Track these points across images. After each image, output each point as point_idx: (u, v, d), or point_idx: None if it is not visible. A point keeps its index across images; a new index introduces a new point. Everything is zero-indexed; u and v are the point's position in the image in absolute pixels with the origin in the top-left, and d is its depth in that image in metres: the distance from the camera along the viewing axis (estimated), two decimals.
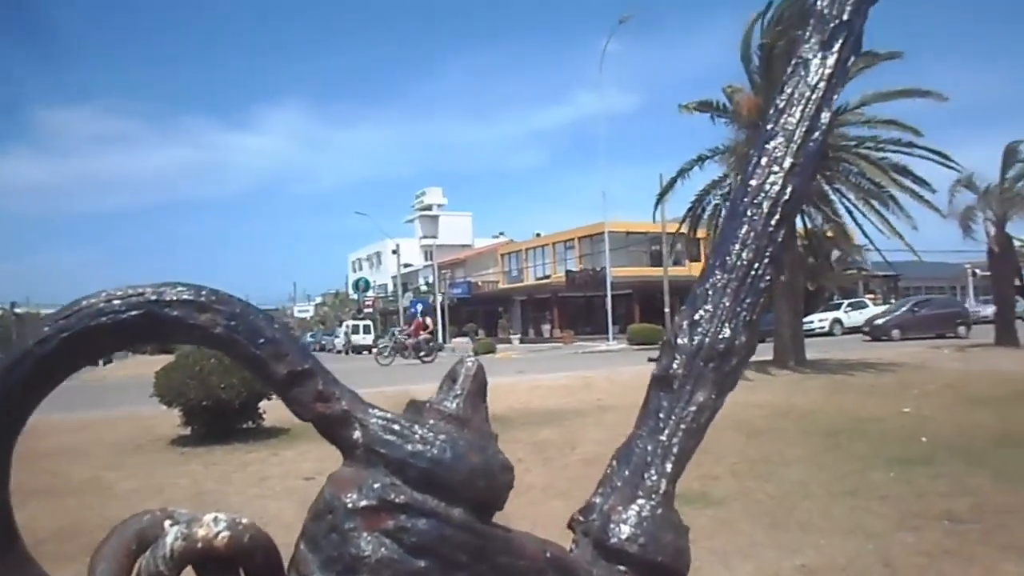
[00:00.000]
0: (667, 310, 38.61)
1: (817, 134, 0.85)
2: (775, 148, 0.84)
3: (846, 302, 44.36)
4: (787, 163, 0.82)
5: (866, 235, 19.56)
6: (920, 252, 18.68)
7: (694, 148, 19.82)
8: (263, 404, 10.83)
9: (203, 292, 0.58)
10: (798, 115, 0.85)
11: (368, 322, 61.16)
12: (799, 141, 0.83)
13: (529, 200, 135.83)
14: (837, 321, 42.27)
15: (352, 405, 0.62)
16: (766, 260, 0.77)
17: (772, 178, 0.81)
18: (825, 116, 0.85)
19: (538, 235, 60.90)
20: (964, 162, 20.91)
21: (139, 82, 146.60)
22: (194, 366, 10.21)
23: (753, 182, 0.84)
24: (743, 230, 0.79)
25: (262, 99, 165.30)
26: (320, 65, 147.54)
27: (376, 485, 0.52)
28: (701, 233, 22.25)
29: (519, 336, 54.58)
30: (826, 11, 0.88)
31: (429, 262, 67.46)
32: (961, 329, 33.76)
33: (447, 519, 0.51)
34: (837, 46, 0.87)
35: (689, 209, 20.74)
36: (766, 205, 0.80)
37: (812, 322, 39.01)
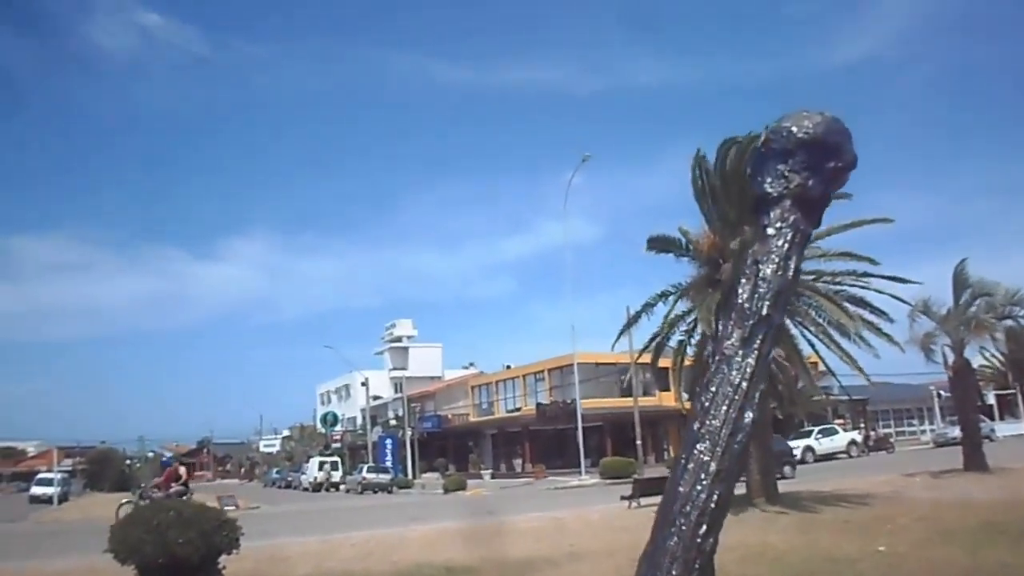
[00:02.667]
0: (639, 442, 38.39)
1: (741, 436, 0.89)
2: (702, 452, 0.88)
3: (816, 429, 44.39)
4: (712, 468, 0.85)
5: (828, 367, 19.77)
6: (885, 375, 18.93)
7: (659, 276, 20.12)
8: (223, 559, 10.43)
9: None
10: (723, 416, 0.89)
11: (336, 458, 59.90)
12: (724, 444, 0.86)
13: (498, 330, 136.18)
14: (809, 449, 42.17)
15: None
16: (695, 573, 0.80)
17: (699, 486, 0.84)
18: (748, 417, 0.89)
19: (508, 367, 60.81)
20: (918, 285, 21.45)
21: (105, 211, 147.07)
22: (152, 521, 9.86)
23: (682, 488, 0.87)
24: (672, 541, 0.81)
25: (229, 229, 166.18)
26: (288, 196, 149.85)
27: None
28: (665, 362, 22.15)
29: (490, 471, 53.66)
30: (746, 306, 0.94)
31: (399, 394, 66.84)
32: (787, 469, 30.34)
33: None
34: (757, 343, 0.92)
35: (651, 339, 20.81)
36: (694, 515, 0.83)
37: None
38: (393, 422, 67.23)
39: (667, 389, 33.56)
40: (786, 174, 1.18)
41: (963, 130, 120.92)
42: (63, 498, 46.58)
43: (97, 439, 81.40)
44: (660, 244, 18.91)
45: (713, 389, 0.84)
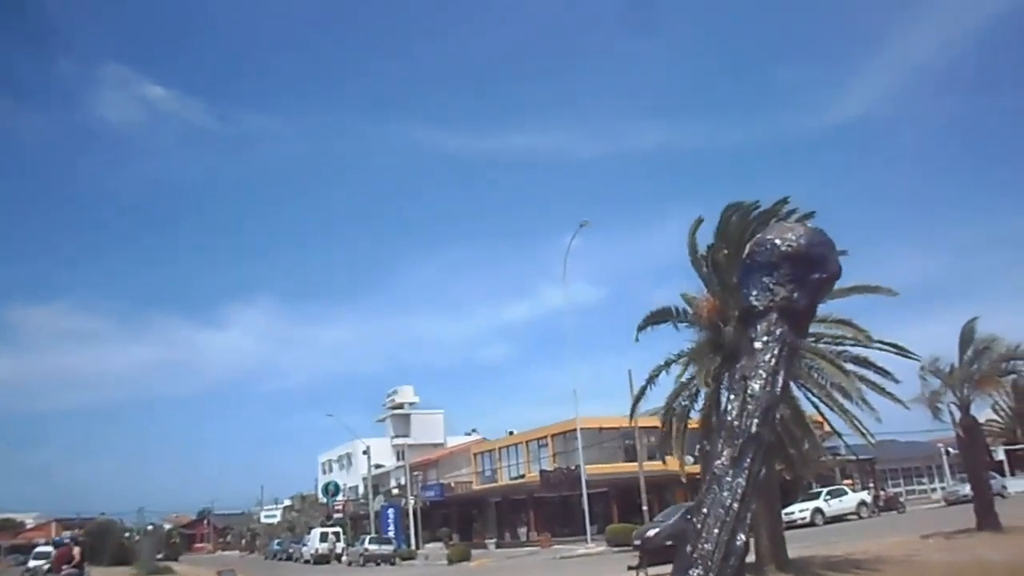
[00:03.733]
0: (644, 507, 37.82)
1: (734, 559, 0.88)
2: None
3: (825, 490, 43.77)
4: None
5: (833, 428, 19.57)
6: (893, 434, 18.71)
7: (662, 339, 19.94)
8: None
9: None
10: (715, 540, 0.87)
11: (337, 529, 59.01)
12: (717, 570, 0.85)
13: (501, 394, 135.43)
14: (818, 511, 41.52)
15: None
16: None
17: None
18: (740, 540, 0.87)
19: (511, 433, 60.27)
20: (923, 340, 21.32)
21: (109, 280, 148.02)
22: None
23: None
24: None
25: (231, 297, 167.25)
26: (291, 264, 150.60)
27: None
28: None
29: (495, 540, 52.79)
30: (736, 424, 0.93)
31: (401, 462, 66.18)
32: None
33: None
34: (748, 461, 0.91)
35: (663, 410, 20.62)
36: None
37: (792, 513, 38.23)
38: (395, 491, 66.40)
39: (670, 453, 33.20)
40: (771, 287, 1.18)
41: (963, 183, 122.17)
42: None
43: (97, 511, 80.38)
44: (654, 319, 19.02)
45: (705, 511, 0.82)
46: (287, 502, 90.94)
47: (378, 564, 45.06)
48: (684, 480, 36.93)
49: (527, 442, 55.20)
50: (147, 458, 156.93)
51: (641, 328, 18.94)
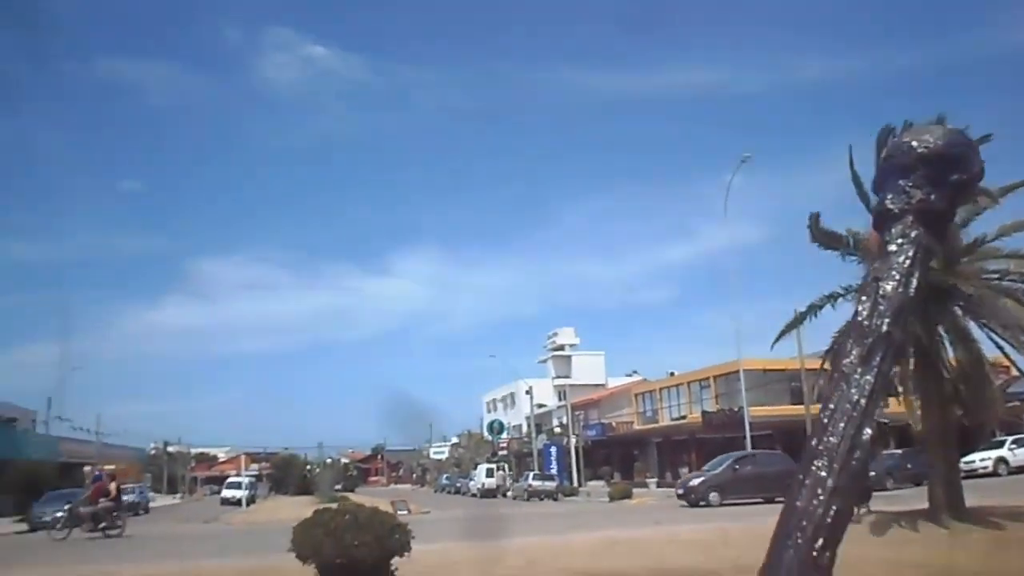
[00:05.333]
0: None
1: (859, 452, 0.90)
2: (819, 469, 0.89)
3: (1010, 439, 41.12)
4: (829, 485, 0.86)
5: (1021, 371, 18.31)
6: None
7: (830, 277, 19.09)
8: (395, 561, 10.90)
9: None
10: (840, 433, 0.90)
11: (503, 465, 61.03)
12: (842, 461, 0.87)
13: (661, 336, 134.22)
14: (1002, 460, 39.08)
15: None
16: None
17: (816, 501, 0.86)
18: (867, 434, 0.90)
19: (672, 374, 59.93)
20: None
21: (284, 233, 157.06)
22: (329, 523, 10.44)
23: (799, 503, 0.89)
24: (788, 555, 0.84)
25: (397, 245, 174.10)
26: (453, 211, 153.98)
27: None
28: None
29: (656, 480, 53.03)
30: (866, 323, 0.95)
31: (563, 402, 67.30)
32: None
33: None
34: (877, 360, 0.92)
35: (828, 350, 19.97)
36: (810, 530, 0.84)
37: (973, 462, 36.22)
38: (557, 430, 67.72)
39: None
40: (907, 189, 1.16)
41: None
42: (251, 500, 49.82)
43: (281, 446, 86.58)
44: (824, 238, 18.06)
45: (832, 406, 0.85)
46: (454, 439, 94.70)
47: (541, 499, 46.34)
48: None
49: (688, 383, 54.79)
50: (325, 398, 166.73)
51: (812, 240, 18.04)
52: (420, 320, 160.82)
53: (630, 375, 74.48)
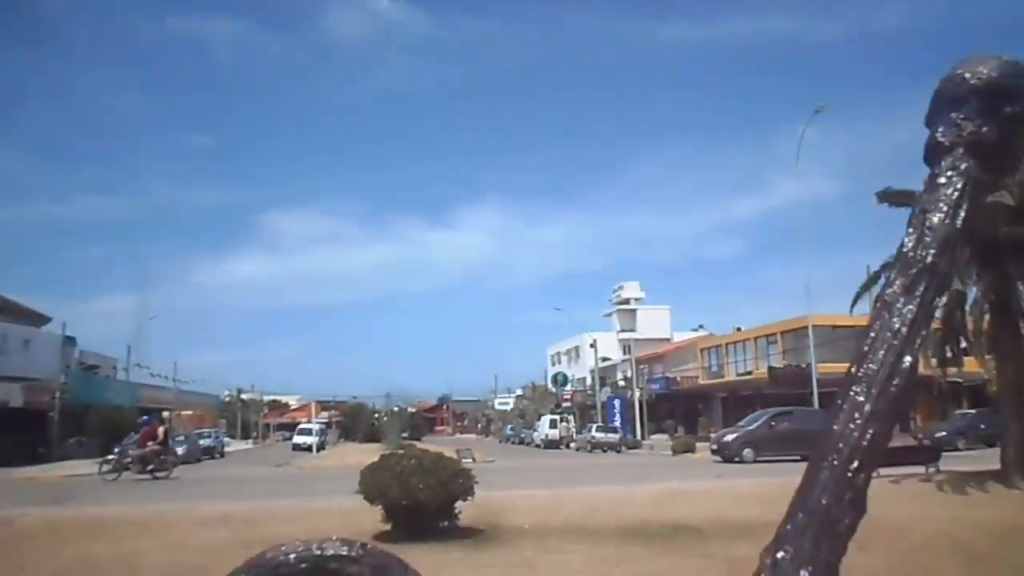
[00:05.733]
0: None
1: (898, 379, 0.92)
2: (857, 394, 0.91)
3: None
4: (867, 409, 0.89)
5: None
6: None
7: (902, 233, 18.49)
8: (458, 505, 11.17)
9: (355, 547, 0.78)
10: (880, 360, 0.92)
11: (567, 416, 61.44)
12: (880, 387, 0.90)
13: (728, 291, 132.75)
14: None
15: None
16: (844, 506, 0.85)
17: (852, 424, 0.89)
18: (907, 361, 0.91)
19: (738, 329, 59.29)
20: None
21: (352, 186, 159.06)
22: (395, 467, 10.74)
23: (836, 427, 0.92)
24: (823, 475, 0.87)
25: (463, 199, 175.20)
26: (518, 165, 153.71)
27: None
28: None
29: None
30: (911, 255, 0.96)
31: (627, 356, 67.25)
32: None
33: None
34: (920, 290, 0.93)
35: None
36: (846, 451, 0.88)
37: None
38: (622, 383, 67.78)
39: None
40: (959, 122, 1.15)
41: None
42: (320, 447, 51.22)
43: (350, 394, 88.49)
44: (893, 197, 17.51)
45: (872, 335, 0.86)
46: (519, 391, 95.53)
47: (604, 451, 46.64)
48: (922, 380, 35.05)
49: (755, 338, 54.17)
50: (392, 349, 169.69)
51: (880, 201, 17.51)
52: (485, 273, 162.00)
53: (696, 330, 73.92)
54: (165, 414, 67.62)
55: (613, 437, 49.46)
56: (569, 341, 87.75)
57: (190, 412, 77.65)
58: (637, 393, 58.52)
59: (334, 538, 0.82)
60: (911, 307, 0.90)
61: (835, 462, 0.85)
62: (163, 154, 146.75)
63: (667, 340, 77.21)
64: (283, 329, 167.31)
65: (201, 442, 47.69)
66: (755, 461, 28.86)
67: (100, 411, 45.06)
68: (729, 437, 32.35)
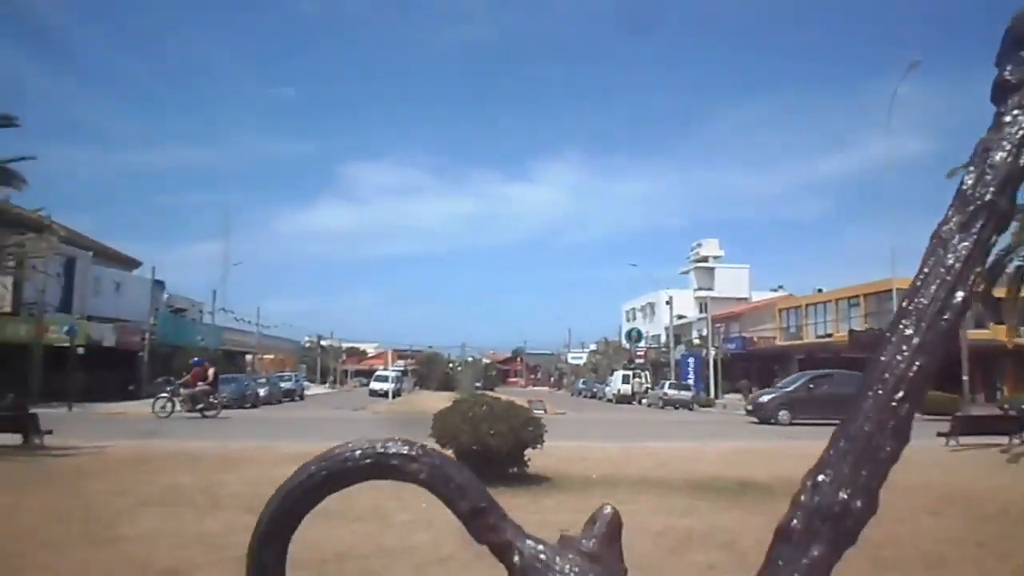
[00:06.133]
0: (965, 377, 35.18)
1: (949, 314, 0.94)
2: (906, 326, 0.94)
3: None
4: (915, 342, 0.92)
5: None
6: None
7: None
8: (528, 452, 11.37)
9: (415, 447, 0.87)
10: (931, 295, 0.94)
11: (640, 372, 61.25)
12: (930, 321, 0.92)
13: (810, 252, 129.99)
14: None
15: (514, 536, 0.82)
16: (887, 433, 0.89)
17: (899, 356, 0.92)
18: (959, 296, 0.94)
19: (819, 291, 58.02)
20: None
21: (429, 138, 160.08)
22: (467, 412, 10.97)
23: (883, 358, 0.95)
24: (867, 403, 0.91)
25: (540, 152, 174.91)
26: (597, 119, 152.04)
27: None
28: (1000, 292, 20.44)
29: None
30: (969, 192, 0.98)
31: (703, 314, 66.61)
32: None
33: None
34: (977, 227, 0.95)
35: (988, 268, 18.88)
36: (891, 381, 0.91)
37: None
38: (696, 341, 67.24)
39: (1000, 322, 30.28)
40: None
41: None
42: (396, 393, 52.43)
43: (425, 344, 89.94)
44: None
45: (926, 270, 0.88)
46: (592, 346, 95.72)
47: (676, 408, 46.48)
48: (1011, 349, 33.77)
49: (836, 300, 52.98)
50: (468, 300, 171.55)
51: (948, 175, 16.94)
52: (562, 227, 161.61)
53: (775, 290, 72.63)
54: (248, 357, 70.07)
55: (686, 395, 49.19)
56: (644, 298, 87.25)
57: (271, 356, 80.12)
58: (712, 352, 57.98)
59: (396, 439, 0.90)
60: (966, 244, 0.92)
61: (880, 391, 0.88)
62: (249, 105, 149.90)
63: (745, 300, 76.08)
64: (362, 278, 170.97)
65: (282, 385, 49.33)
66: (791, 424, 28.52)
67: (186, 352, 46.88)
68: (765, 398, 31.95)
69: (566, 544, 0.80)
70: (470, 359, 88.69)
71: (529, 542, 0.80)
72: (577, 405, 49.98)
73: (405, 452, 0.85)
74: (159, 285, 52.22)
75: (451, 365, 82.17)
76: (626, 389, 57.04)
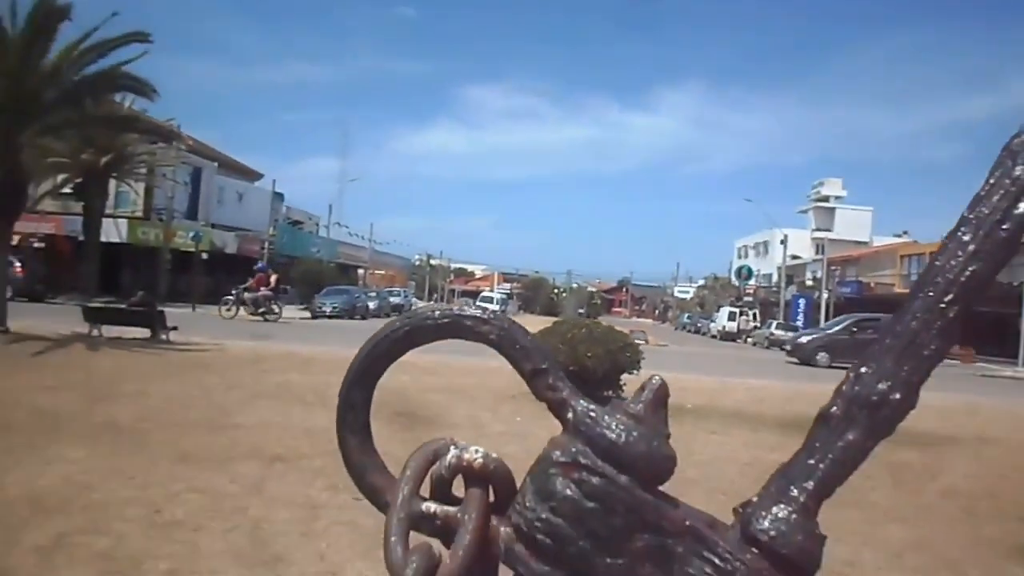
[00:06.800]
0: None
1: (1008, 224, 0.98)
2: (963, 234, 0.99)
3: None
4: (971, 248, 0.97)
5: None
6: None
7: None
8: (624, 377, 11.49)
9: (487, 313, 0.98)
10: (994, 204, 0.99)
11: (748, 310, 60.24)
12: (988, 229, 0.97)
13: (942, 197, 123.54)
14: None
15: (570, 395, 0.93)
16: (933, 333, 0.95)
17: (953, 261, 0.97)
18: (1021, 207, 0.97)
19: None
20: None
21: (547, 63, 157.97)
22: (566, 334, 11.15)
23: (938, 262, 1.01)
24: (917, 303, 0.97)
25: (660, 80, 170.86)
26: (721, 48, 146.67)
27: (573, 449, 0.76)
28: None
29: None
30: None
31: (819, 256, 64.56)
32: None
33: (614, 481, 0.74)
34: None
35: None
36: (942, 283, 0.97)
37: None
38: (809, 283, 65.39)
39: None
40: None
41: None
42: (503, 311, 53.28)
43: (532, 268, 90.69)
44: None
45: (991, 181, 0.89)
46: (700, 281, 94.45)
47: (782, 348, 45.60)
48: None
49: None
50: (578, 228, 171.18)
51: None
52: (678, 159, 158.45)
53: (899, 235, 69.62)
54: (360, 271, 72.15)
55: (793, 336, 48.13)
56: (758, 235, 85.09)
57: (382, 272, 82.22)
58: (825, 294, 56.34)
59: (473, 305, 0.99)
60: None
61: (930, 293, 0.93)
62: (370, 24, 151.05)
63: (865, 244, 73.25)
64: (473, 201, 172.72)
65: (391, 299, 50.75)
66: (830, 367, 27.93)
67: (303, 263, 48.67)
68: (805, 339, 31.18)
69: (616, 407, 0.89)
70: (575, 286, 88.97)
71: (583, 401, 0.88)
72: (680, 339, 49.71)
73: (478, 315, 0.95)
74: (278, 197, 54.05)
75: (556, 291, 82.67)
76: (731, 326, 56.27)
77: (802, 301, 59.21)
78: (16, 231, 22.87)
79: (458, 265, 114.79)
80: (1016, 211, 0.95)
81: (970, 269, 0.92)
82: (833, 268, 60.99)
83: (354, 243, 71.44)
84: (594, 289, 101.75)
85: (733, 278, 76.16)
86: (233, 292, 31.16)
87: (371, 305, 44.03)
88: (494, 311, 0.97)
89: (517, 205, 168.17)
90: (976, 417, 14.07)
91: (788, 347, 32.13)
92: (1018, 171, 0.96)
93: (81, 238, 35.38)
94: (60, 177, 31.67)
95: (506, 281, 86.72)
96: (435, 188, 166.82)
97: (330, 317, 37.18)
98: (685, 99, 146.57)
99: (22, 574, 4.21)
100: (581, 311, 62.56)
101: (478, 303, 61.63)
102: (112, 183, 35.11)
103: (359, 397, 1.01)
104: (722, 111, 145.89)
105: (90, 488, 5.82)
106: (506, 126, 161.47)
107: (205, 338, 17.88)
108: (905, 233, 69.97)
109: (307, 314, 37.39)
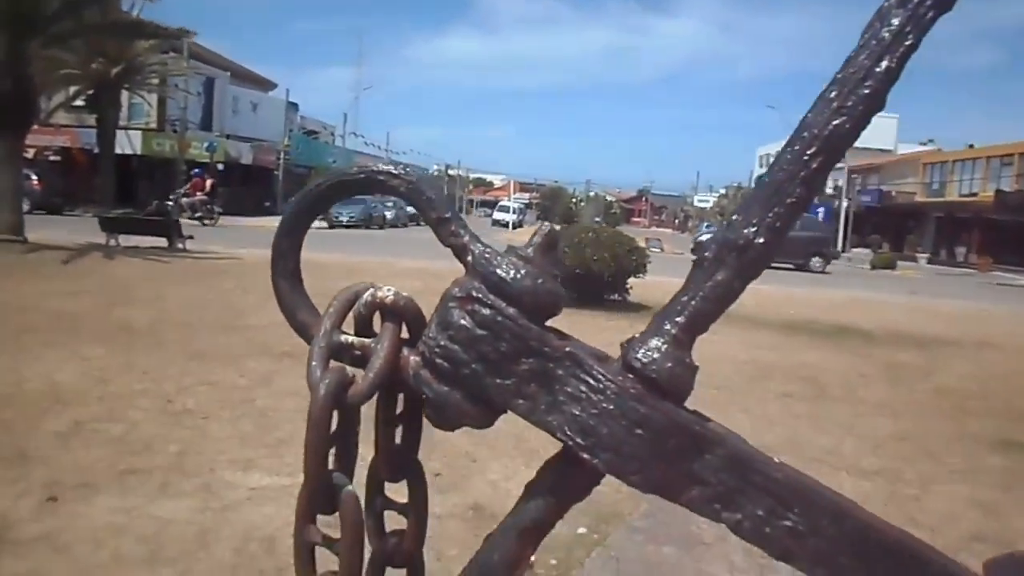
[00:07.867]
0: None
1: (870, 81, 1.08)
2: (831, 91, 1.09)
3: None
4: (835, 105, 1.07)
5: None
6: None
7: None
8: (631, 281, 11.62)
9: (399, 167, 1.09)
10: (859, 63, 1.08)
11: None
12: (852, 86, 1.07)
13: (969, 105, 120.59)
14: None
15: (470, 241, 1.05)
16: (797, 182, 1.06)
17: (819, 116, 1.08)
18: (883, 64, 1.07)
19: (971, 147, 54.28)
20: None
21: None
22: (573, 237, 11.26)
23: (808, 117, 1.12)
24: (785, 156, 1.08)
25: None
26: None
27: (469, 285, 0.88)
28: None
29: (927, 255, 50.01)
30: None
31: (840, 164, 63.60)
32: (816, 261, 30.29)
33: (501, 311, 0.86)
34: (914, 2, 1.07)
35: None
36: (808, 137, 1.08)
37: None
38: (830, 191, 64.64)
39: None
40: None
41: None
42: (517, 224, 53.34)
43: (551, 178, 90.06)
44: None
45: (860, 44, 0.96)
46: (721, 191, 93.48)
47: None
48: None
49: (988, 158, 49.56)
50: (597, 136, 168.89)
51: None
52: (700, 64, 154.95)
53: (924, 144, 68.33)
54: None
55: None
56: (781, 143, 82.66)
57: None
58: (845, 203, 55.79)
59: (387, 161, 1.11)
60: (901, 17, 1.03)
61: (796, 147, 1.02)
62: None
63: (888, 151, 71.91)
64: (492, 110, 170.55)
65: (408, 209, 50.63)
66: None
67: (318, 173, 48.44)
68: (705, 237, 30.70)
69: (510, 250, 1.02)
70: (593, 194, 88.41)
71: (480, 245, 1.02)
72: None
73: (390, 171, 1.06)
74: (293, 107, 53.62)
75: (574, 200, 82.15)
76: None
77: (822, 210, 58.64)
78: (31, 144, 22.95)
79: (477, 175, 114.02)
80: (877, 69, 1.06)
81: (833, 123, 1.03)
82: (854, 176, 60.20)
83: (371, 153, 71.06)
84: (613, 199, 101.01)
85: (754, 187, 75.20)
86: (171, 197, 31.09)
87: (388, 215, 44.10)
88: (405, 167, 1.08)
89: (536, 114, 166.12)
90: (983, 323, 14.15)
91: (692, 247, 31.99)
92: (884, 32, 1.07)
93: (96, 150, 35.44)
94: (72, 89, 31.52)
95: (524, 191, 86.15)
96: (453, 97, 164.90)
97: (347, 227, 37.36)
98: (709, 1, 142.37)
99: (42, 455, 4.49)
100: (598, 219, 62.39)
101: (495, 212, 61.50)
102: (125, 95, 34.91)
103: (288, 245, 1.14)
104: (748, 14, 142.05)
105: (105, 382, 6.10)
106: (525, 32, 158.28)
107: (222, 248, 18.12)
108: (930, 141, 68.68)
109: (324, 224, 37.57)
